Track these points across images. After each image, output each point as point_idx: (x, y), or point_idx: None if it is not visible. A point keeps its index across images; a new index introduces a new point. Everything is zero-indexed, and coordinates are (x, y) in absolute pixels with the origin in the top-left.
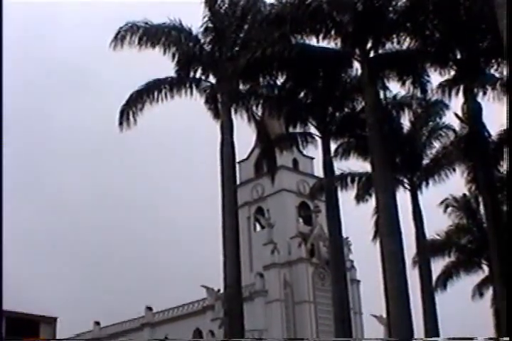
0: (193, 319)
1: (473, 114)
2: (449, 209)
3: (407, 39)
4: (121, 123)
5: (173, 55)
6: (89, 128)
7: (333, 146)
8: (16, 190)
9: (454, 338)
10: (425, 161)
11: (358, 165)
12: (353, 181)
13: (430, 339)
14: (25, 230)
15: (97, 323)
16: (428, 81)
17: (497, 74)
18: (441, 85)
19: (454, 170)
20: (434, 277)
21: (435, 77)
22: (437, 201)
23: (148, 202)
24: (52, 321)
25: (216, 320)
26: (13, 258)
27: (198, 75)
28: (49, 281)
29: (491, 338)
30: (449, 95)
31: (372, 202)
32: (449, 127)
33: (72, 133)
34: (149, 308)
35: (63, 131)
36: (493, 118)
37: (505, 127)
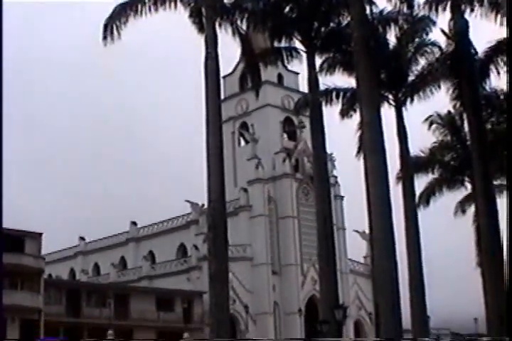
0: (178, 234)
1: (459, 30)
2: (434, 126)
3: None
4: (105, 38)
5: None
6: (77, 46)
7: (318, 61)
8: (4, 107)
9: None
10: (410, 78)
11: (343, 80)
12: (337, 96)
13: None
14: (9, 147)
15: (82, 238)
16: None
17: None
18: (428, 1)
19: (440, 86)
20: (418, 193)
21: None
22: (422, 118)
23: (132, 118)
24: (37, 236)
25: (200, 234)
26: None
27: None
28: (34, 197)
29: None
30: (436, 11)
31: (356, 117)
32: (435, 44)
33: (61, 53)
34: (134, 223)
35: (53, 50)
36: (480, 35)
37: (491, 44)
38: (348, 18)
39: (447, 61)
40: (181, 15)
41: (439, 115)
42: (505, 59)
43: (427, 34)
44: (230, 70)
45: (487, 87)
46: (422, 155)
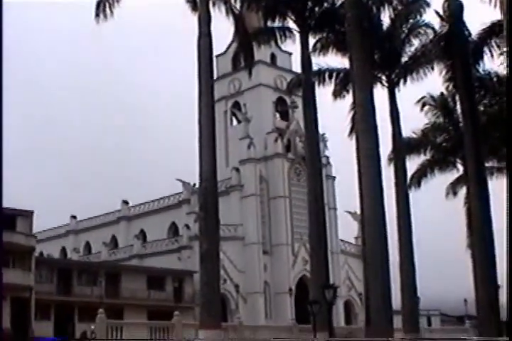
0: (169, 213)
1: (454, 12)
2: (426, 107)
3: None
4: (97, 15)
5: None
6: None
7: (311, 41)
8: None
9: None
10: (404, 59)
11: (336, 61)
12: (330, 77)
13: None
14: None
15: (74, 217)
16: None
17: None
18: None
19: (433, 68)
20: (409, 175)
21: None
22: (415, 99)
23: (124, 98)
24: (29, 215)
25: (192, 213)
26: None
27: None
28: (25, 175)
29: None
30: None
31: (349, 98)
32: (428, 25)
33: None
34: (125, 202)
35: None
36: (474, 17)
37: (485, 26)
38: None
39: (441, 42)
40: None
41: (431, 96)
42: (498, 41)
43: (420, 15)
44: (222, 51)
45: (480, 69)
46: (414, 136)
